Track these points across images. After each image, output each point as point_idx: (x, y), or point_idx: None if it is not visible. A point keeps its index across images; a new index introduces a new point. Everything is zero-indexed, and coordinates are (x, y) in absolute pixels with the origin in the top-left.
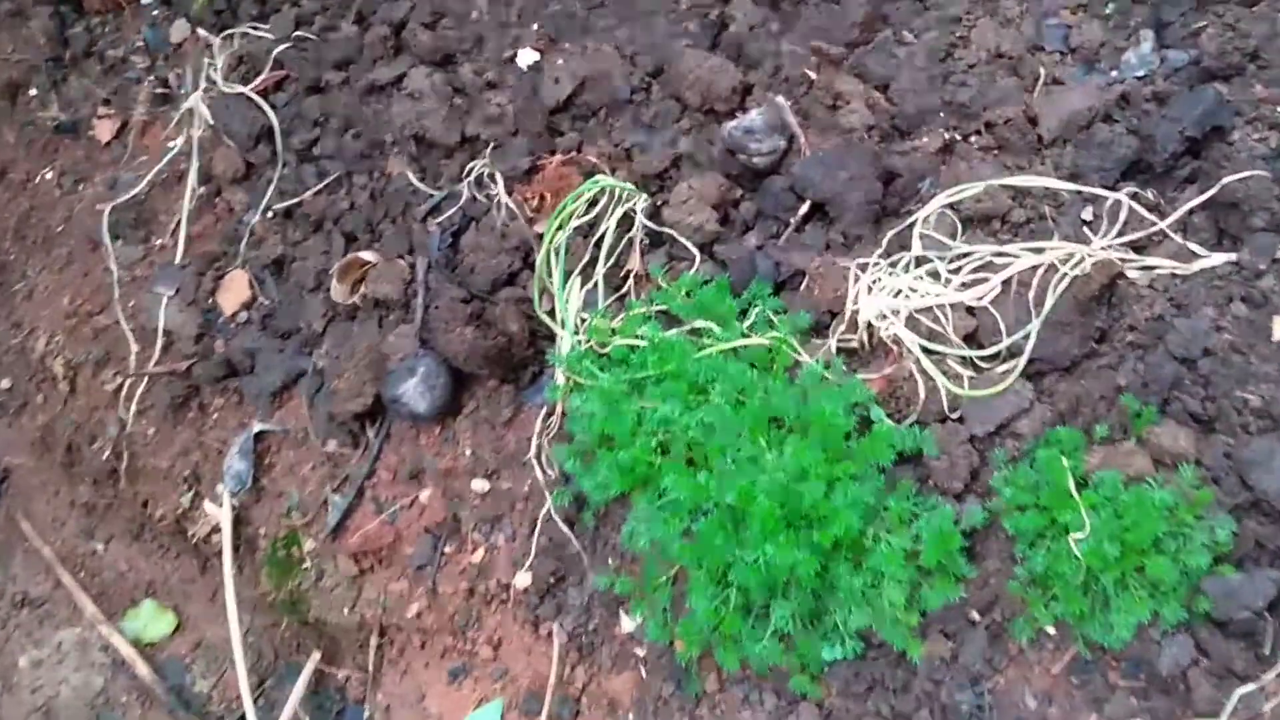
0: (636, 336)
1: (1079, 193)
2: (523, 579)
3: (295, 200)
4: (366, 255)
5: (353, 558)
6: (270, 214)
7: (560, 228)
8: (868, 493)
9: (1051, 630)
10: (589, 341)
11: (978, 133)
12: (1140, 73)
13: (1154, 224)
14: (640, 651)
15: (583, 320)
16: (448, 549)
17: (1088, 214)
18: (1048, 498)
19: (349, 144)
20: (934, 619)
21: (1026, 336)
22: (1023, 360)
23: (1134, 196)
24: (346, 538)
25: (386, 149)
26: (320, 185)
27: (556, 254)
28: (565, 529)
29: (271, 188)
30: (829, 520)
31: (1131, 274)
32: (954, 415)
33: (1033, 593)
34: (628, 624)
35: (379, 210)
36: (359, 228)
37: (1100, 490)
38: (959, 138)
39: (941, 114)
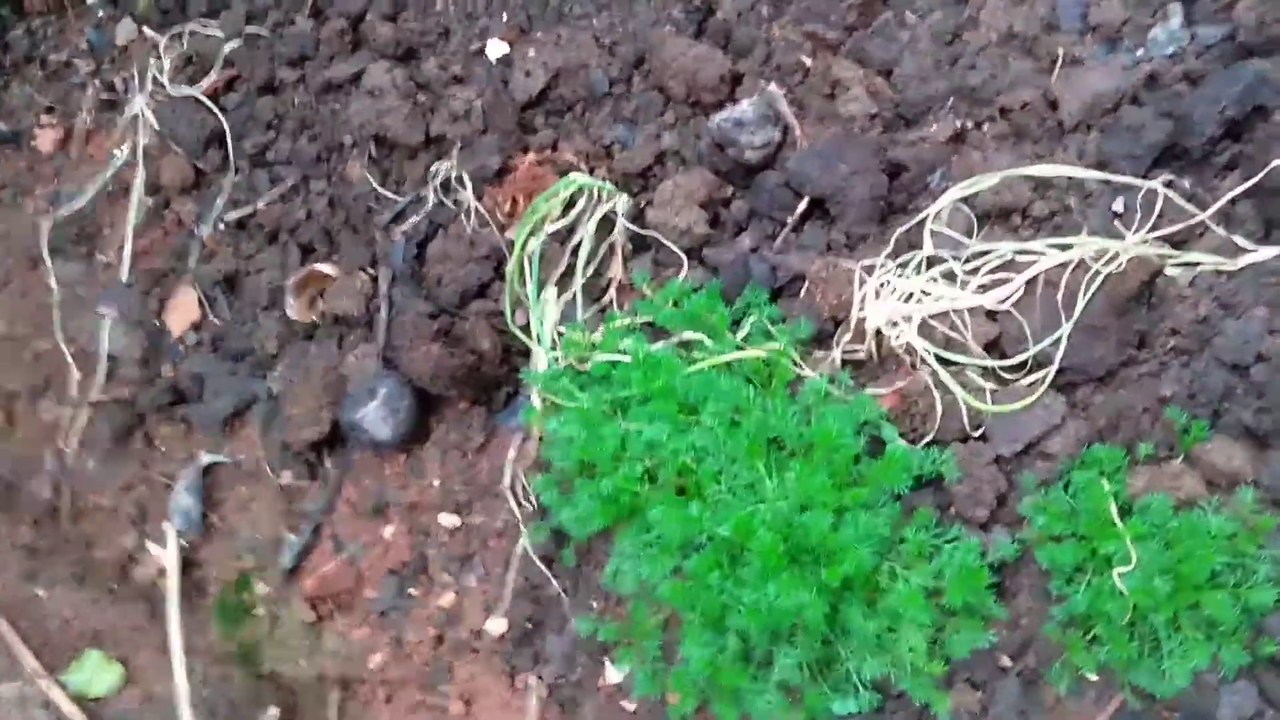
0: (618, 351)
1: (1107, 182)
2: (497, 625)
3: (248, 210)
4: (325, 269)
5: (310, 603)
6: (221, 225)
7: (533, 233)
8: (881, 523)
9: (1094, 677)
10: (566, 358)
11: (991, 119)
12: (1169, 51)
13: (1193, 215)
14: (629, 706)
15: (560, 334)
16: (414, 592)
17: (1118, 205)
18: (1087, 526)
19: (305, 147)
20: (960, 667)
21: (1056, 343)
22: (1052, 370)
23: (1169, 185)
24: (303, 580)
25: (345, 152)
26: (274, 193)
27: (530, 262)
28: (543, 568)
29: (223, 197)
30: (838, 556)
31: (1170, 271)
32: (976, 434)
33: (1072, 635)
34: (614, 675)
35: (338, 219)
36: (317, 238)
37: (1147, 517)
38: (971, 125)
39: (950, 100)
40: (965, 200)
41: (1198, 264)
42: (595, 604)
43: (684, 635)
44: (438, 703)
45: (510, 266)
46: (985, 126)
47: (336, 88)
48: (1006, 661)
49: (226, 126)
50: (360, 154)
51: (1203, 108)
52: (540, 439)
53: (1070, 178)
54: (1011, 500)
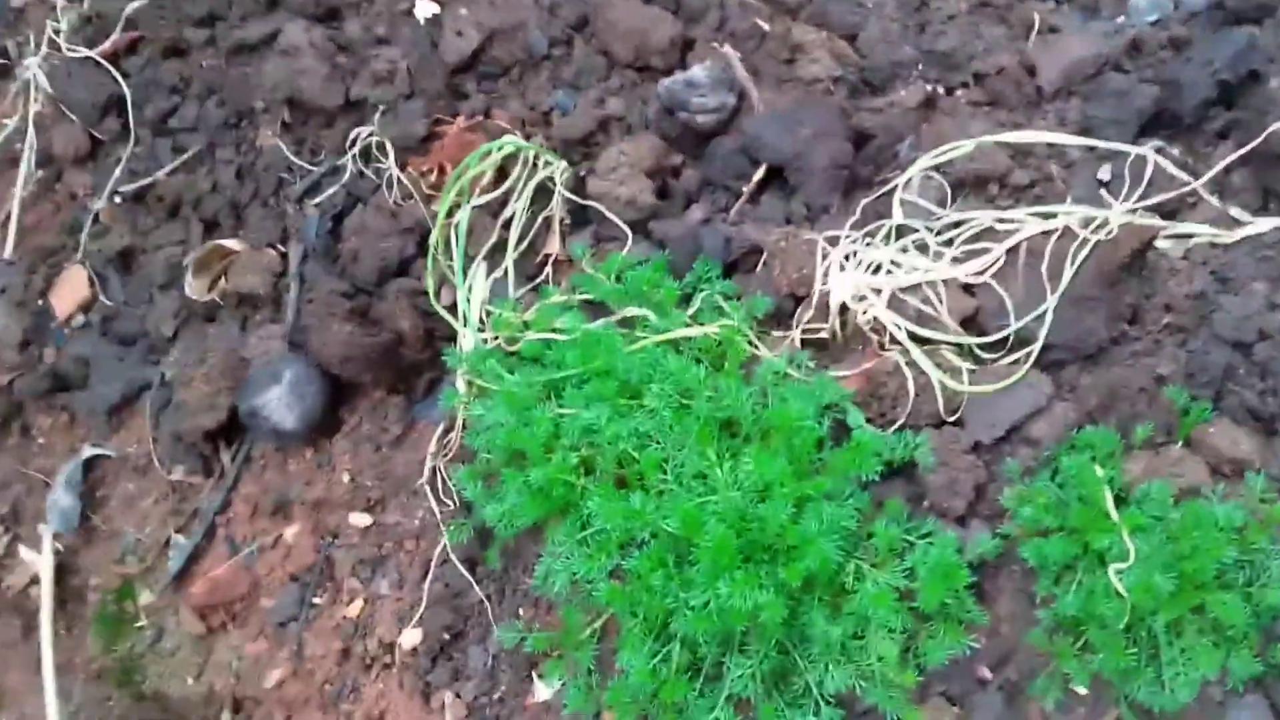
0: (552, 329)
1: (1092, 149)
2: (411, 636)
3: (147, 181)
4: (230, 244)
5: (199, 612)
6: (117, 199)
7: (460, 201)
8: (846, 516)
9: (1084, 691)
10: (495, 337)
11: (965, 85)
12: (1151, 18)
13: (1186, 183)
14: None
15: (489, 314)
16: (318, 600)
17: (1105, 173)
18: (1078, 518)
19: (212, 113)
20: (935, 679)
21: (1041, 318)
22: (1037, 347)
23: (1160, 152)
24: (191, 587)
25: (257, 118)
26: (177, 162)
27: (455, 233)
28: (465, 572)
29: (120, 168)
30: (799, 551)
31: (1161, 244)
32: (952, 419)
33: (1061, 642)
34: (543, 691)
35: (246, 191)
36: (222, 212)
37: (1145, 507)
38: (942, 91)
39: (920, 65)
40: (938, 170)
41: (1191, 236)
42: (523, 612)
43: (622, 644)
44: None
45: (434, 236)
46: (958, 93)
47: (249, 49)
48: (986, 673)
49: (127, 91)
50: (273, 120)
51: (1193, 72)
52: (464, 428)
53: (1051, 145)
54: (991, 492)
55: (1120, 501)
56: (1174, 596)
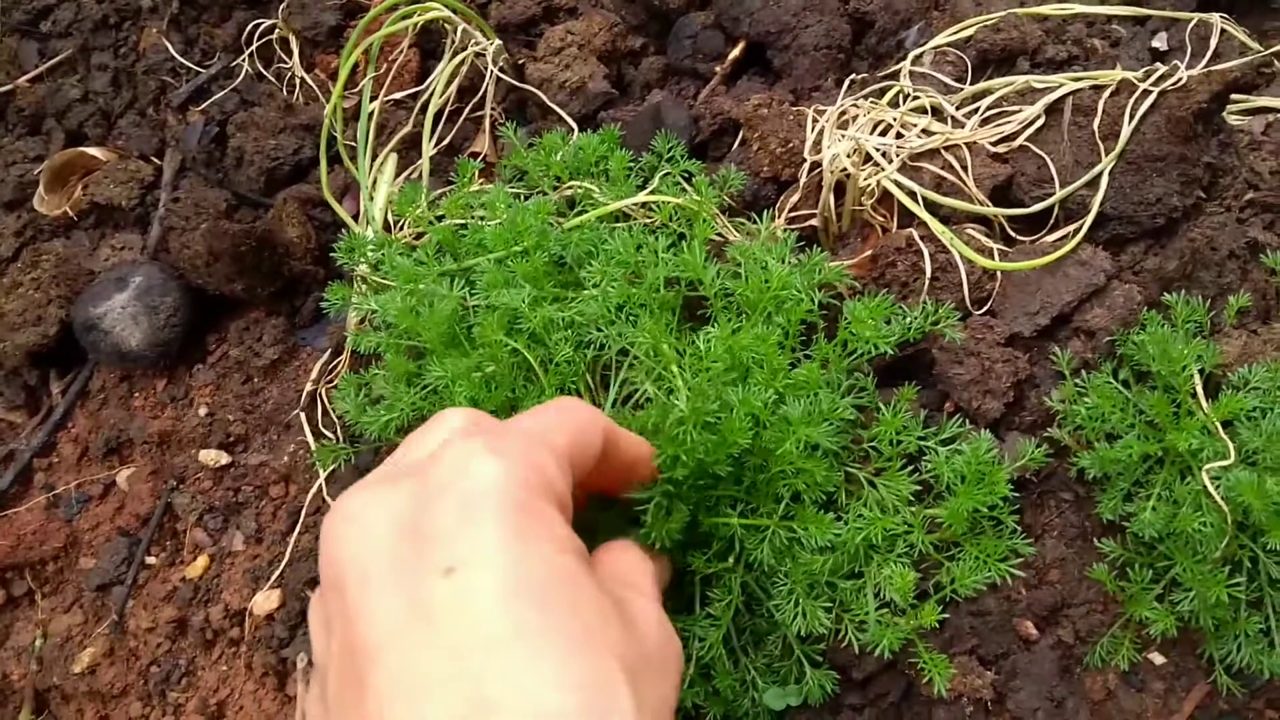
0: (467, 211)
1: (1142, 22)
2: (266, 600)
3: (6, 89)
4: (93, 151)
5: None
6: None
7: (359, 70)
8: (843, 407)
9: (1159, 659)
10: (400, 226)
11: None
12: None
13: (1256, 52)
14: None
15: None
16: (151, 559)
17: (1160, 41)
18: (1156, 407)
19: (91, 11)
20: (961, 632)
21: (1094, 184)
22: (1089, 219)
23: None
24: None
25: (143, 15)
26: (43, 68)
27: (362, 116)
28: None
29: None
30: (777, 455)
31: (1236, 120)
32: (981, 311)
33: (1135, 581)
34: None
35: (123, 99)
36: (90, 122)
37: (1245, 398)
38: None
39: None
40: (956, 45)
41: (1273, 110)
42: None
43: None
44: (166, 719)
45: (328, 109)
46: None
47: None
48: (1032, 630)
49: None
50: (160, 15)
51: None
52: (353, 351)
53: (1092, 23)
54: (1034, 399)
55: (1210, 393)
56: None
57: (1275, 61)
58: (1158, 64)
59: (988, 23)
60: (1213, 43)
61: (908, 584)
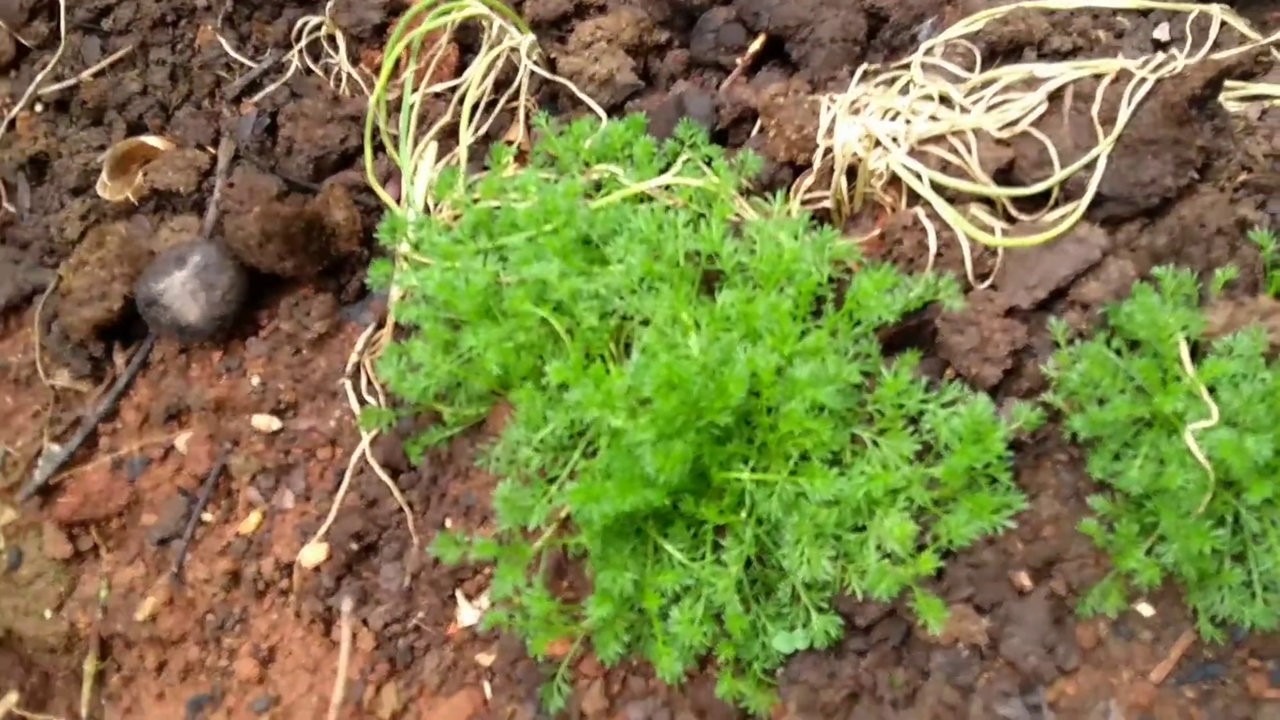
0: (502, 194)
1: (1145, 14)
2: (314, 553)
3: (70, 83)
4: (152, 140)
5: (66, 530)
6: (39, 106)
7: (402, 64)
8: (850, 372)
9: (1147, 611)
10: (438, 208)
11: None
12: None
13: (1255, 42)
14: (485, 659)
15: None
16: (208, 516)
17: (1162, 32)
18: (1144, 372)
19: (149, 9)
20: (958, 582)
21: (1091, 166)
22: (1086, 199)
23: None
24: (59, 502)
25: (197, 15)
26: (105, 63)
27: (404, 108)
28: (385, 477)
29: (45, 73)
30: (786, 415)
31: (1233, 107)
32: (984, 285)
33: (1123, 533)
34: (469, 614)
35: (179, 92)
36: (150, 114)
37: (1229, 362)
38: None
39: None
40: (966, 37)
41: (1267, 97)
42: (450, 523)
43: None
44: (221, 664)
45: (372, 101)
46: None
47: None
48: (1026, 581)
49: None
50: (215, 14)
51: None
52: (395, 324)
53: (1097, 16)
54: (1030, 367)
55: (1195, 359)
56: (1270, 470)
57: (1273, 50)
58: (1158, 53)
59: (996, 16)
60: (1213, 33)
61: (907, 534)
